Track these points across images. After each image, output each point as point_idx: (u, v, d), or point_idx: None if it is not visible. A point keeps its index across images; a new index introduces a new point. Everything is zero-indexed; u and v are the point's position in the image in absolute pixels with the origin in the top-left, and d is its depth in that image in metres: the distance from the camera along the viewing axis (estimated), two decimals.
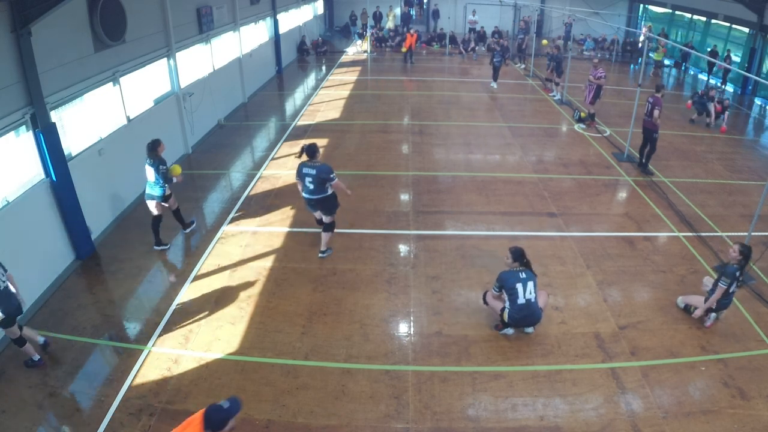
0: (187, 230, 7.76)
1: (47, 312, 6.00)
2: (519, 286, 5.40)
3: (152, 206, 7.07)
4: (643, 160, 10.13)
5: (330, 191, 6.71)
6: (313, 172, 6.54)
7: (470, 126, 12.83)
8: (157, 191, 6.94)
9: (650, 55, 19.31)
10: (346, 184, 7.16)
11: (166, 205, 7.24)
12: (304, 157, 6.67)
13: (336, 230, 7.36)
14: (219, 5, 12.48)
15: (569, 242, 7.61)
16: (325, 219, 6.95)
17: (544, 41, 19.84)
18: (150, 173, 6.86)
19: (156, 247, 7.29)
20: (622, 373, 5.28)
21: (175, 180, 7.07)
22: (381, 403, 4.88)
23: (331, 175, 6.55)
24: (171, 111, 10.16)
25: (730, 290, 5.72)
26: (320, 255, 7.08)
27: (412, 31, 21.10)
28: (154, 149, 6.83)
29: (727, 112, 13.07)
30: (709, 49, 17.82)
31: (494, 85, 16.70)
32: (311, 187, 6.62)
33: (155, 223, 7.20)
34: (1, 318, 4.76)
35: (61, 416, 4.69)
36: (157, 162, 6.81)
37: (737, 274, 5.65)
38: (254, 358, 5.38)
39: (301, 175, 6.65)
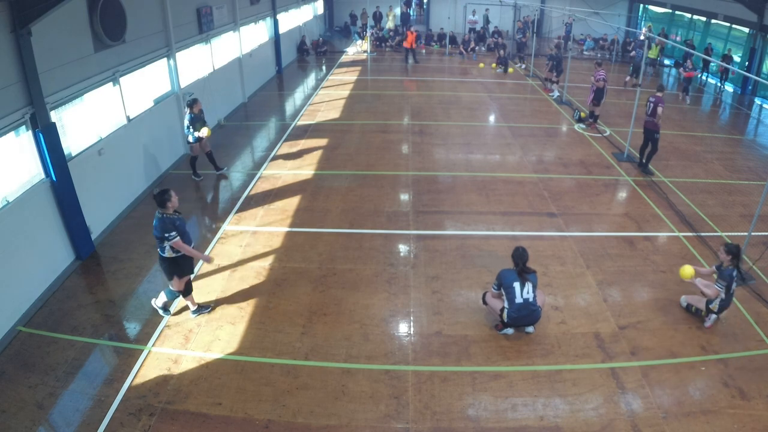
0: (219, 172, 9.65)
1: (47, 312, 6.00)
2: (516, 285, 5.41)
3: (192, 148, 9.22)
4: (644, 160, 10.13)
5: (167, 253, 5.45)
6: (155, 223, 5.36)
7: (470, 126, 12.83)
8: (190, 138, 9.00)
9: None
10: (202, 250, 5.70)
11: (199, 148, 9.25)
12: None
13: (336, 230, 7.36)
14: (219, 5, 12.48)
15: (569, 242, 7.61)
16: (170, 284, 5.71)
17: (493, 65, 19.55)
18: (185, 123, 8.93)
19: (195, 178, 9.41)
20: (622, 373, 5.28)
21: (197, 134, 8.90)
22: (381, 403, 4.88)
23: (166, 234, 5.28)
24: (171, 111, 10.15)
25: (731, 291, 5.73)
26: (192, 315, 5.95)
27: (412, 29, 21.08)
28: (191, 106, 8.85)
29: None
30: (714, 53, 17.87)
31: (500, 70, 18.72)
32: (155, 240, 5.55)
33: (192, 162, 9.38)
34: None
35: (61, 416, 4.69)
36: (191, 116, 8.81)
37: (734, 274, 5.67)
38: (254, 358, 5.38)
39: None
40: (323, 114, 13.60)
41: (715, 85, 18.34)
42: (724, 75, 17.59)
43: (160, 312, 5.95)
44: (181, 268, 5.65)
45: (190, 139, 9.01)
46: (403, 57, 20.63)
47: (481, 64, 19.63)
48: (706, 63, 18.20)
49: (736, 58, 17.27)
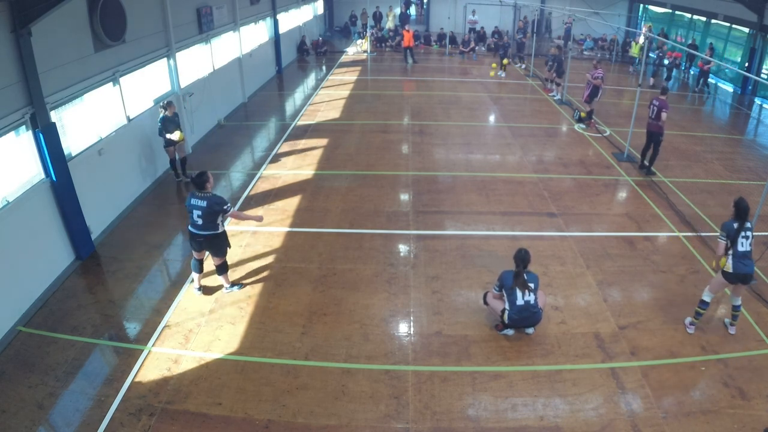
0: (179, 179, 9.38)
1: (47, 312, 6.00)
2: (518, 287, 5.40)
3: (167, 152, 9.02)
4: (645, 162, 10.10)
5: (221, 228, 5.90)
6: (203, 204, 5.70)
7: (470, 126, 12.83)
8: (163, 142, 8.82)
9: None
10: (259, 214, 6.11)
11: (177, 154, 9.09)
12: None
13: (336, 230, 7.35)
14: (219, 5, 12.48)
15: (569, 242, 7.61)
16: (215, 261, 6.15)
17: (494, 64, 19.06)
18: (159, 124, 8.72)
19: (177, 179, 9.33)
20: (622, 373, 5.28)
21: (168, 136, 8.67)
22: (381, 403, 4.88)
23: (225, 206, 5.75)
24: None
25: (740, 248, 5.41)
26: (225, 291, 6.37)
27: (407, 27, 20.94)
28: (165, 108, 8.61)
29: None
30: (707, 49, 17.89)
31: (502, 73, 18.29)
32: (199, 222, 5.78)
33: (171, 164, 9.24)
34: None
35: (61, 416, 4.69)
36: (162, 117, 8.60)
37: (735, 226, 5.42)
38: (254, 358, 5.38)
39: (189, 206, 5.82)
40: (323, 114, 13.60)
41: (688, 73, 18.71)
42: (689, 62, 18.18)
43: (231, 288, 6.38)
44: (228, 242, 6.17)
45: (164, 142, 8.84)
46: (403, 57, 20.62)
47: (492, 73, 18.62)
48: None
49: (736, 59, 17.31)
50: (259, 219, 6.58)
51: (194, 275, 6.27)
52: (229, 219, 5.87)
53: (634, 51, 20.57)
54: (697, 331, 5.85)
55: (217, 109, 12.62)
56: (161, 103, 8.66)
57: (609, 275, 6.86)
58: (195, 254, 6.13)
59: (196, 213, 5.76)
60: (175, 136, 8.70)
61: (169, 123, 8.66)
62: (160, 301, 6.25)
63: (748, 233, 5.47)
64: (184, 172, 9.36)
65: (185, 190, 9.30)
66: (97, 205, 7.51)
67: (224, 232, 6.02)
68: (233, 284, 6.44)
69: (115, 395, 4.87)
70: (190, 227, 5.92)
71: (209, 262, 6.38)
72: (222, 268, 6.22)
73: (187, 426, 4.60)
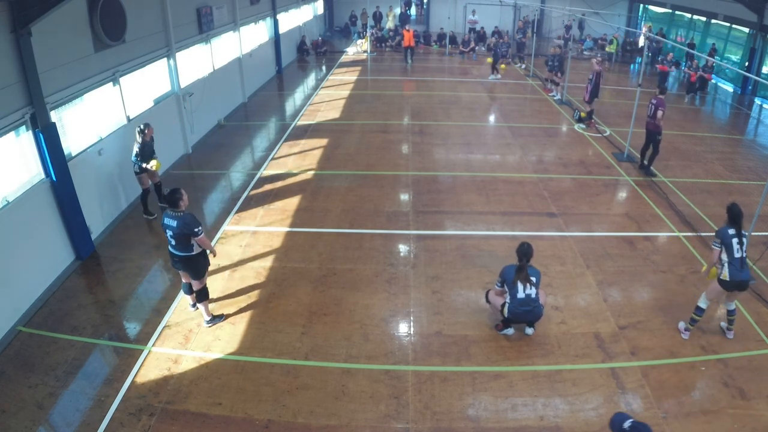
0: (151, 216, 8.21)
1: (47, 312, 6.00)
2: (519, 281, 5.40)
3: (140, 180, 7.97)
4: (645, 162, 10.11)
5: (196, 250, 5.51)
6: (174, 224, 5.32)
7: (470, 126, 12.83)
8: (136, 168, 7.81)
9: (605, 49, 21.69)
10: (211, 243, 5.80)
11: (150, 181, 8.08)
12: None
13: (336, 230, 7.32)
14: (219, 5, 12.48)
15: (569, 242, 7.61)
16: (193, 284, 5.74)
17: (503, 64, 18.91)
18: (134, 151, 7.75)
19: (146, 217, 8.13)
20: (622, 373, 5.28)
21: (146, 165, 7.73)
22: (381, 403, 4.88)
23: (195, 229, 5.33)
24: (171, 111, 10.16)
25: (735, 255, 5.36)
26: (206, 324, 5.84)
27: (408, 27, 20.87)
28: (143, 133, 7.68)
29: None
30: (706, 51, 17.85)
31: (492, 77, 17.79)
32: (173, 242, 5.45)
33: (143, 197, 8.11)
34: None
35: (61, 416, 4.69)
36: (141, 144, 7.66)
37: (729, 232, 5.38)
38: (254, 358, 5.38)
39: (163, 225, 5.47)
40: (323, 114, 13.60)
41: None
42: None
43: (211, 322, 5.86)
44: (208, 262, 5.74)
45: (136, 168, 7.82)
46: (403, 57, 20.61)
47: (503, 66, 18.64)
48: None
49: (736, 58, 17.29)
50: (214, 254, 5.86)
51: (187, 297, 6.02)
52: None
53: (611, 48, 21.09)
54: (697, 331, 5.85)
55: (217, 109, 12.62)
56: (138, 128, 7.65)
57: (609, 275, 6.86)
58: (183, 277, 5.85)
59: (168, 233, 5.40)
60: (152, 164, 7.73)
61: (146, 149, 7.72)
62: (160, 301, 6.26)
63: (743, 239, 5.41)
64: (161, 198, 8.17)
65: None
66: (97, 205, 7.51)
67: (200, 254, 5.57)
68: (214, 317, 5.89)
69: (115, 395, 4.87)
70: (168, 246, 5.59)
71: None
72: (201, 295, 5.73)
73: (187, 426, 4.60)
